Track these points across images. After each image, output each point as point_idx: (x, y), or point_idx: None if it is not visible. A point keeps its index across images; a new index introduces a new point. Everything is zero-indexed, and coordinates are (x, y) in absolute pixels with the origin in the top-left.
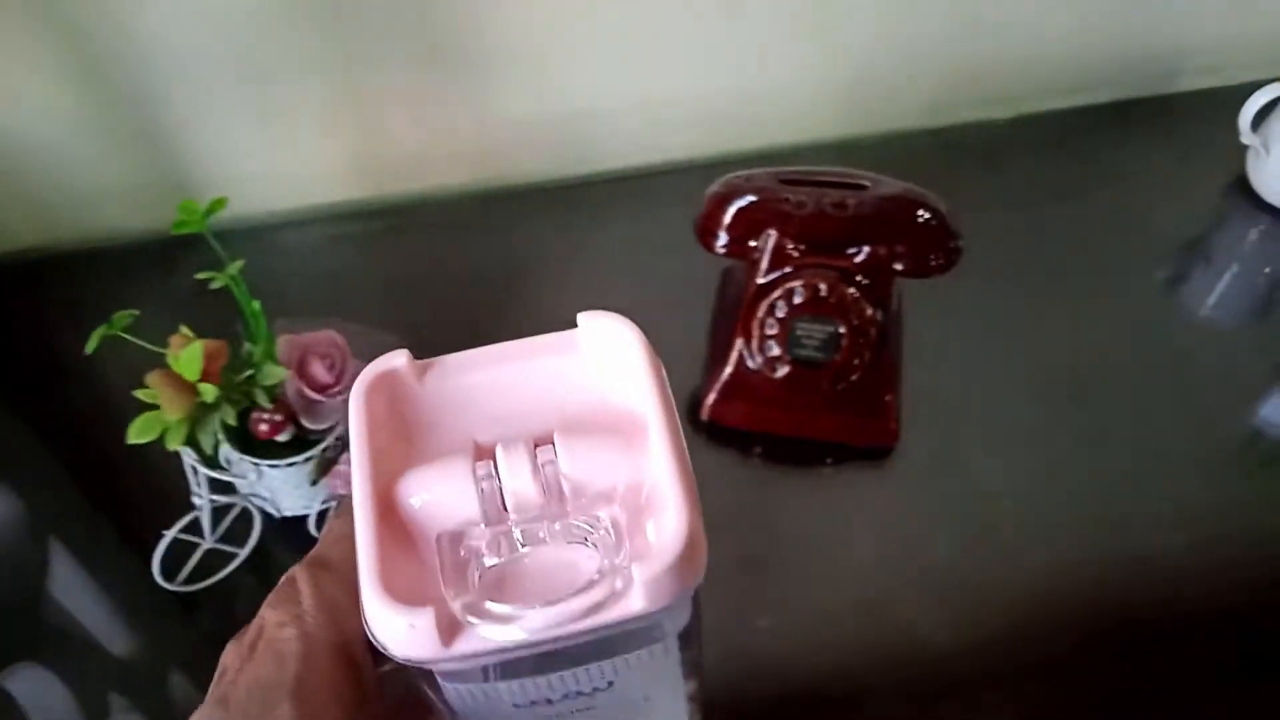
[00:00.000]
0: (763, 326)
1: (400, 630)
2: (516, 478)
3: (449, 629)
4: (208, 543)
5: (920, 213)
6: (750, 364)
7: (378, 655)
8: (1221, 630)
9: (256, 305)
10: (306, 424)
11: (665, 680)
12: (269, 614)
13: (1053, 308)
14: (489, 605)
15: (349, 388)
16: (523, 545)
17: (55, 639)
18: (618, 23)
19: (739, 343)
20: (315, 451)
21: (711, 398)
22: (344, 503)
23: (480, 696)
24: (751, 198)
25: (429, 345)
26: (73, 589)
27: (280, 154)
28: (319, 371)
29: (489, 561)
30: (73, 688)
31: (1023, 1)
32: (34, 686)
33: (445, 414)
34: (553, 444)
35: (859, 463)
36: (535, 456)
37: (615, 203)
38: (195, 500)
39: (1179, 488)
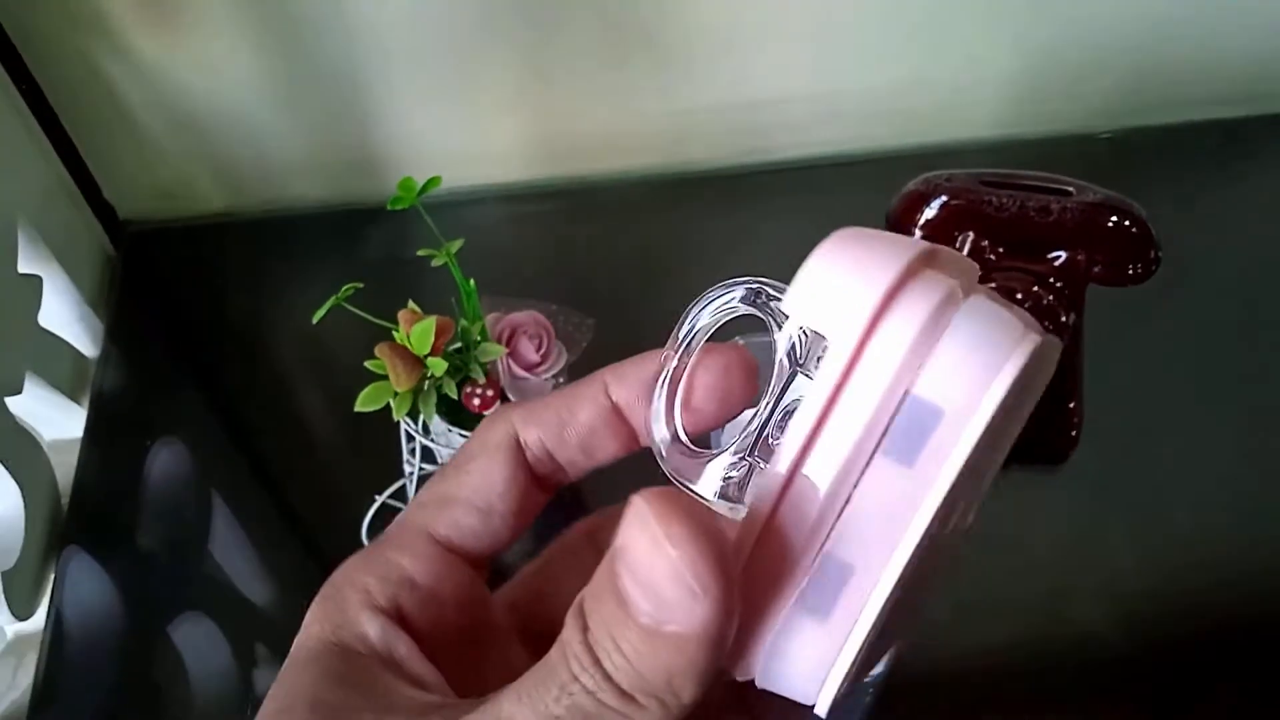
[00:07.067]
0: None
1: None
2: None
3: None
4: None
5: (1125, 221)
6: None
7: None
8: None
9: (471, 283)
10: (511, 399)
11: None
12: None
13: (1240, 329)
14: None
15: (554, 367)
16: None
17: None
18: (798, 11)
19: None
20: None
21: None
22: None
23: None
24: (951, 198)
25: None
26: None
27: (463, 133)
28: (527, 350)
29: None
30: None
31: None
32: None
33: None
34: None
35: (1031, 467)
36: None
37: (783, 193)
38: (406, 468)
39: None
